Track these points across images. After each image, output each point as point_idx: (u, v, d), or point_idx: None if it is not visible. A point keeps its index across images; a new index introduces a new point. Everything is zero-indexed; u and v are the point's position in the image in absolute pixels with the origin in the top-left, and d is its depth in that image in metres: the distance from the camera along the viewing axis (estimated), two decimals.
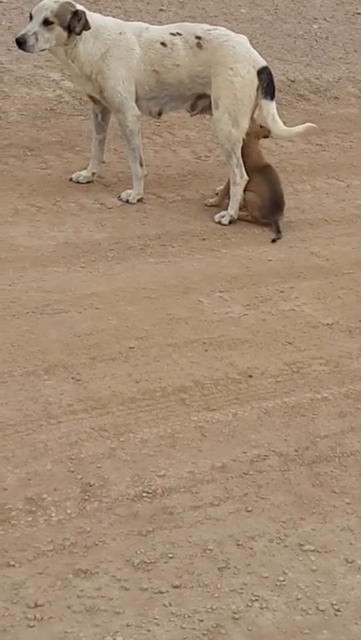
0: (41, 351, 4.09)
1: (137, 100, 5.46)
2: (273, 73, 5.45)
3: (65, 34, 5.21)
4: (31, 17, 5.18)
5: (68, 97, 6.72)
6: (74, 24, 5.18)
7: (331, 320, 4.61)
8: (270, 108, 5.42)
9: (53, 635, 2.78)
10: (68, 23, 5.18)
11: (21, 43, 5.15)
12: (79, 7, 5.24)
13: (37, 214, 5.35)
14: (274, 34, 8.46)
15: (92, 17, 5.35)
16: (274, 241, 5.36)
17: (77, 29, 5.19)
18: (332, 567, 3.13)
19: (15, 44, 5.24)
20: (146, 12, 8.08)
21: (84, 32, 5.23)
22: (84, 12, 5.22)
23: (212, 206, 5.67)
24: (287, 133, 5.62)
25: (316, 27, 8.86)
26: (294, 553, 3.16)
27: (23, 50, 5.22)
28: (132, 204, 5.60)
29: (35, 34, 5.14)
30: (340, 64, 8.20)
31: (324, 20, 8.95)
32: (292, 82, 7.53)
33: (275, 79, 5.46)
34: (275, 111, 5.45)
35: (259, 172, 5.54)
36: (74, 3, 5.25)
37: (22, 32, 5.18)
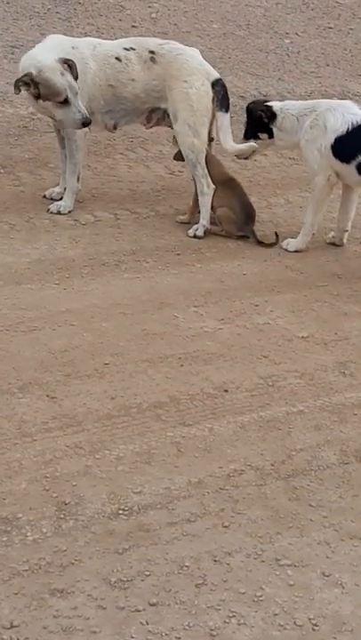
0: (15, 369, 4.07)
1: (92, 114, 5.46)
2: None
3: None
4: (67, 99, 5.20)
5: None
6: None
7: (305, 333, 4.62)
8: (224, 120, 5.52)
9: None
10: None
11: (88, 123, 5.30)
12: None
13: (11, 231, 5.33)
14: (246, 49, 8.50)
15: (40, 51, 5.34)
16: (272, 245, 5.47)
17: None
18: (309, 581, 3.11)
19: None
20: (118, 29, 8.09)
21: None
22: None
23: (182, 223, 5.68)
24: (232, 149, 5.62)
25: (287, 41, 8.91)
26: (271, 568, 3.15)
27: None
28: (62, 214, 5.59)
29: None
30: (312, 78, 8.25)
31: (296, 34, 9.00)
32: (265, 96, 7.54)
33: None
34: (228, 123, 5.53)
35: (224, 185, 5.58)
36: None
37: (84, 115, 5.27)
